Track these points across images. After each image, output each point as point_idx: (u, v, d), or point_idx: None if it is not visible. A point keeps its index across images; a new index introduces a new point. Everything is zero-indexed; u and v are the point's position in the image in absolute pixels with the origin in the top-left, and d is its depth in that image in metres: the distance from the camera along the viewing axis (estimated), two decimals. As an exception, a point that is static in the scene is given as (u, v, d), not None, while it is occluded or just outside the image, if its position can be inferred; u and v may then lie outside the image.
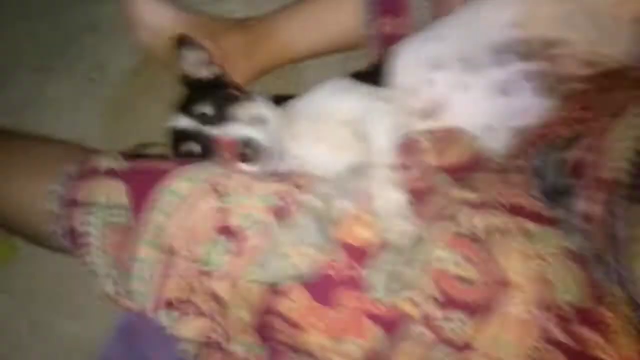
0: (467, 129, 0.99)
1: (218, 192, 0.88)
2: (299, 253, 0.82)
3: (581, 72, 0.97)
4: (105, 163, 0.96)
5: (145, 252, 0.89)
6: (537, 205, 0.87)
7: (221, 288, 0.85)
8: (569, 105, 0.95)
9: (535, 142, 0.97)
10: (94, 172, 0.96)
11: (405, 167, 0.90)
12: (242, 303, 0.85)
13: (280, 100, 1.17)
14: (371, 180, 0.88)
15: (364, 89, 1.04)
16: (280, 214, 0.86)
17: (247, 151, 0.97)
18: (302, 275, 0.83)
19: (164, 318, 0.91)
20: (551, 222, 0.84)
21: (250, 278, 0.82)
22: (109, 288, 0.93)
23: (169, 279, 0.89)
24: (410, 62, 1.05)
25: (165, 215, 0.89)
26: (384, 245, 0.83)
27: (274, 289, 0.83)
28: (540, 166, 0.92)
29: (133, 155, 1.03)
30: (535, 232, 0.82)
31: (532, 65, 0.97)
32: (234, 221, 0.86)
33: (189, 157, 1.01)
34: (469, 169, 0.96)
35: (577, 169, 0.82)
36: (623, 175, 0.73)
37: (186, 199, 0.88)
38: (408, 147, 0.93)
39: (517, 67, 0.97)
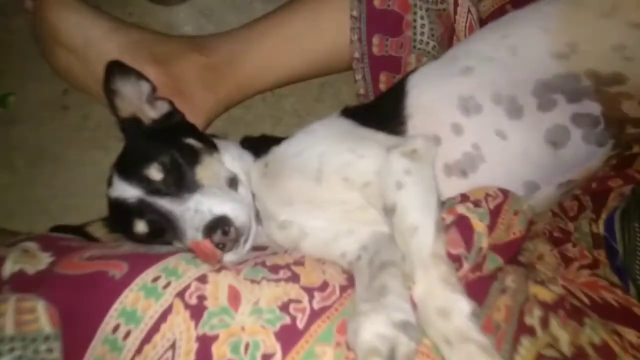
0: (512, 186, 0.78)
1: (191, 308, 0.60)
2: None
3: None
4: (11, 266, 0.65)
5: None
6: (625, 299, 0.66)
7: None
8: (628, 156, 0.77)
9: (592, 201, 0.77)
10: None
11: (458, 259, 0.66)
12: None
13: (254, 144, 0.93)
14: (421, 285, 0.62)
15: (379, 136, 0.81)
16: (287, 337, 0.59)
17: (223, 239, 0.71)
18: None
19: None
20: None
21: None
22: None
23: None
24: (431, 101, 0.83)
25: (112, 347, 0.60)
26: None
27: None
28: (611, 236, 0.72)
29: (56, 242, 0.73)
30: None
31: (583, 108, 0.78)
32: (221, 354, 0.58)
33: (135, 240, 0.79)
34: (522, 244, 0.75)
35: None
36: None
37: (143, 321, 0.60)
38: (460, 229, 0.69)
39: (567, 110, 0.78)
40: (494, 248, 0.70)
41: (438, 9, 1.04)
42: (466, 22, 1.03)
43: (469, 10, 1.02)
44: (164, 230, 0.78)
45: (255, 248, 0.80)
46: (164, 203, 0.77)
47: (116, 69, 0.89)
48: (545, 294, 0.66)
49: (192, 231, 0.73)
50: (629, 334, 0.63)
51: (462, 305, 0.59)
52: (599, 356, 0.60)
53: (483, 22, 1.01)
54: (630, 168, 0.82)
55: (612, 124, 0.79)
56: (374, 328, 0.57)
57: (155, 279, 0.63)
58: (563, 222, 0.85)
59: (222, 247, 0.71)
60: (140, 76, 0.91)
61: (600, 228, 0.75)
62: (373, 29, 1.04)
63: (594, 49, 0.77)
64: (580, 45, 0.78)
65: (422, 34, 1.04)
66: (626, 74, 0.76)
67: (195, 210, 0.74)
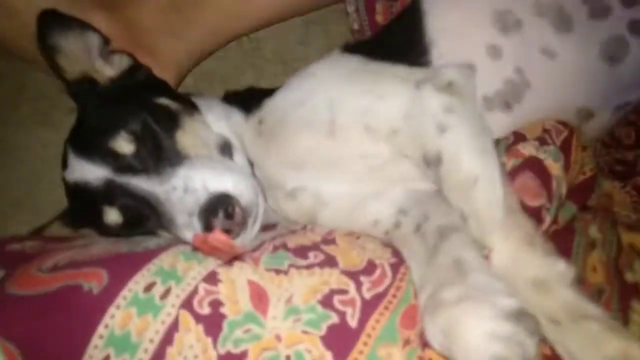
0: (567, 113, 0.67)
1: (204, 319, 0.46)
2: None
3: None
4: None
5: None
6: None
7: None
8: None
9: None
10: None
11: (538, 213, 0.52)
12: None
13: (241, 99, 0.77)
14: (503, 255, 0.50)
15: (401, 69, 0.66)
16: (339, 341, 0.45)
17: (227, 224, 0.56)
18: None
19: None
20: None
21: None
22: None
23: None
24: (456, 20, 0.70)
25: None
26: None
27: None
28: None
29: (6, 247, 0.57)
30: None
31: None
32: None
33: (109, 234, 0.64)
34: (589, 183, 0.62)
35: None
36: None
37: (141, 347, 0.45)
38: (535, 174, 0.56)
39: (624, 16, 0.68)
40: (570, 194, 0.58)
41: None
42: None
43: None
44: (145, 218, 0.63)
45: (263, 228, 0.65)
46: (140, 183, 0.61)
47: (52, 20, 0.71)
48: (634, 238, 0.56)
49: (184, 216, 0.58)
50: None
51: (562, 271, 0.48)
52: None
53: None
54: None
55: None
56: (484, 327, 0.43)
57: (149, 287, 0.47)
58: (620, 153, 0.74)
59: (228, 233, 0.55)
60: (84, 26, 0.73)
61: None
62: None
63: None
64: None
65: None
66: None
67: (184, 189, 0.59)
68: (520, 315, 0.44)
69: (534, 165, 0.58)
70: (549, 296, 0.46)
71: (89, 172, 0.63)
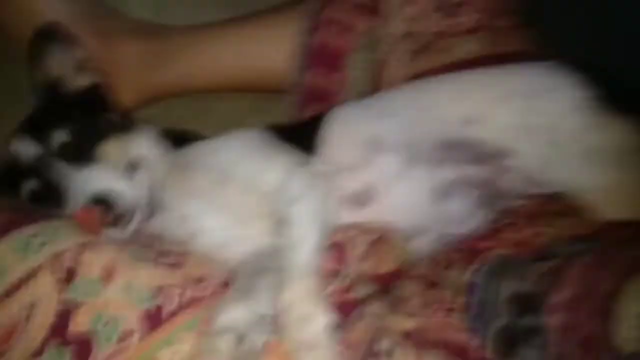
0: (398, 227, 0.85)
1: (62, 272, 0.61)
2: None
3: (518, 190, 0.89)
4: None
5: None
6: (467, 344, 0.74)
7: None
8: (510, 225, 0.87)
9: (471, 256, 0.86)
10: None
11: (329, 275, 0.71)
12: None
13: (173, 136, 0.94)
14: (288, 292, 0.66)
15: (289, 156, 0.85)
16: (151, 320, 0.60)
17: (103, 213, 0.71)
18: None
19: None
20: None
21: None
22: None
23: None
24: (348, 134, 0.90)
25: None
26: None
27: None
28: (479, 288, 0.80)
29: None
30: None
31: (470, 171, 0.88)
32: (80, 322, 0.59)
33: (29, 200, 0.78)
34: (394, 279, 0.81)
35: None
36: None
37: (7, 275, 0.59)
38: (341, 248, 0.75)
39: (465, 170, 0.88)
40: (368, 277, 0.76)
41: (375, 57, 1.12)
42: (396, 76, 1.11)
43: (401, 66, 1.12)
44: (50, 195, 0.77)
45: (148, 236, 0.81)
46: (59, 166, 0.77)
47: (49, 32, 0.89)
48: (399, 324, 0.72)
49: (74, 202, 0.73)
50: None
51: (321, 317, 0.64)
52: None
53: (411, 78, 1.08)
54: (505, 233, 0.91)
55: (491, 191, 0.88)
56: (232, 313, 0.60)
57: (34, 237, 0.63)
58: (437, 271, 0.91)
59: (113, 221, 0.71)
60: (71, 42, 0.91)
61: (466, 277, 0.82)
62: (313, 61, 1.11)
63: (492, 123, 0.87)
64: (480, 118, 0.87)
65: (355, 77, 1.12)
66: (512, 151, 0.86)
67: (85, 180, 0.75)
68: (263, 319, 0.62)
69: (340, 245, 0.75)
70: (306, 329, 0.62)
71: (25, 148, 0.79)
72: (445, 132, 0.88)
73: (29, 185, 0.78)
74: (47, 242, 0.63)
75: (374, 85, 1.13)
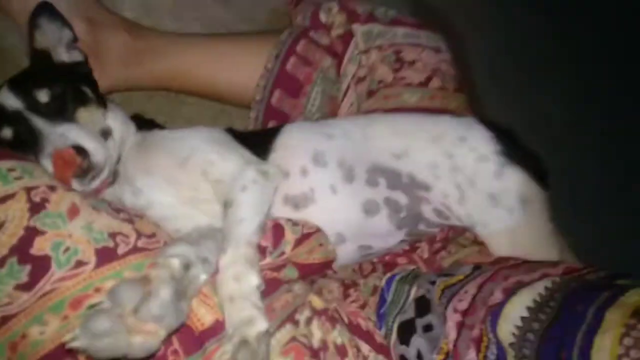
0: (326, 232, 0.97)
1: (32, 202, 0.69)
2: (148, 331, 0.62)
3: (433, 219, 1.05)
4: None
5: None
6: (373, 330, 0.86)
7: None
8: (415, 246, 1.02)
9: (389, 268, 0.99)
10: None
11: (263, 251, 0.83)
12: (12, 355, 0.65)
13: (141, 121, 1.06)
14: (229, 255, 0.77)
15: (246, 153, 0.96)
16: (105, 256, 0.70)
17: (81, 164, 0.80)
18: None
19: None
20: (385, 351, 0.83)
21: (73, 344, 0.59)
22: None
23: None
24: (294, 145, 1.03)
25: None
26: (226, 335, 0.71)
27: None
28: (391, 290, 0.93)
29: None
30: (370, 358, 0.80)
31: (395, 195, 1.02)
32: (40, 246, 0.67)
33: (3, 145, 0.84)
34: (318, 272, 0.93)
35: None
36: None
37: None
38: (274, 231, 0.86)
39: (384, 192, 1.01)
40: (294, 263, 0.88)
41: (331, 93, 1.29)
42: (347, 111, 1.29)
43: (352, 104, 1.30)
44: (25, 144, 0.85)
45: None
46: (37, 121, 0.85)
47: (48, 9, 0.99)
48: (317, 303, 0.84)
49: (49, 149, 0.81)
50: (364, 347, 0.83)
51: (253, 278, 0.74)
52: (336, 352, 0.78)
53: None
54: (415, 253, 1.06)
55: (410, 216, 1.02)
56: (181, 248, 0.70)
57: (11, 170, 0.71)
58: (357, 277, 1.04)
59: (77, 171, 0.80)
60: (65, 23, 1.01)
61: (382, 282, 0.96)
62: (278, 84, 1.26)
63: (418, 159, 1.02)
64: (409, 153, 1.03)
65: (312, 105, 1.28)
66: (432, 186, 1.01)
67: (61, 134, 0.83)
68: (206, 261, 0.72)
69: (278, 227, 0.87)
70: (237, 285, 0.72)
71: (10, 100, 0.87)
72: (379, 160, 1.02)
73: (5, 133, 0.86)
74: (22, 176, 0.71)
75: (322, 115, 1.29)
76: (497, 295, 0.76)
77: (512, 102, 2.10)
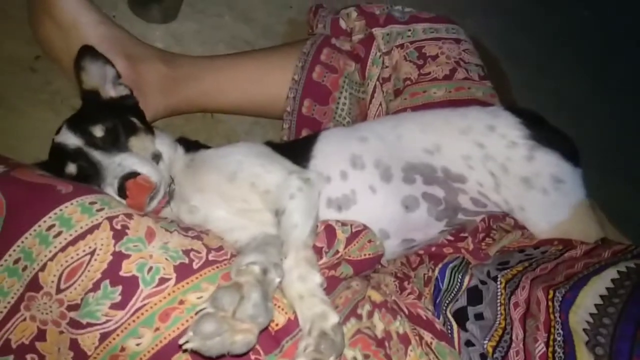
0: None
1: (115, 230, 0.78)
2: (246, 330, 0.70)
3: (471, 207, 1.10)
4: None
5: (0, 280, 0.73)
6: (433, 318, 0.92)
7: (88, 341, 0.72)
8: (466, 237, 1.08)
9: (436, 259, 1.05)
10: None
11: (320, 251, 0.89)
12: None
13: (187, 143, 1.13)
14: (291, 259, 0.83)
15: (287, 163, 1.03)
16: (183, 271, 0.78)
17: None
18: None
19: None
20: (447, 338, 0.88)
21: (187, 345, 0.67)
22: None
23: (19, 318, 0.74)
24: (332, 151, 1.09)
25: (42, 240, 0.75)
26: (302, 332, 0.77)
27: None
28: (445, 280, 0.98)
29: (7, 160, 0.88)
30: (434, 346, 0.86)
31: (432, 190, 1.07)
32: (127, 268, 0.75)
33: (66, 179, 0.91)
34: (370, 267, 0.99)
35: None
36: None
37: (74, 228, 0.76)
38: (327, 233, 0.93)
39: (421, 188, 1.06)
40: (348, 261, 0.94)
41: (358, 96, 1.35)
42: (376, 112, 1.35)
43: (380, 104, 1.35)
44: (89, 177, 0.93)
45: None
46: (96, 155, 0.94)
47: (88, 51, 1.07)
48: (376, 296, 0.90)
49: (111, 179, 0.90)
50: (426, 335, 0.88)
51: (316, 276, 0.81)
52: (400, 341, 0.83)
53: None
54: (463, 242, 1.10)
55: (449, 208, 1.08)
56: (251, 257, 0.77)
57: (93, 203, 0.79)
58: (407, 269, 1.10)
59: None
60: (107, 62, 1.09)
61: (435, 272, 1.01)
62: (306, 94, 1.32)
63: (450, 153, 1.08)
64: (441, 148, 1.08)
65: (342, 110, 1.34)
66: (466, 177, 1.06)
67: (119, 164, 0.92)
68: (277, 265, 0.78)
69: (329, 229, 0.93)
70: (303, 284, 0.79)
71: (70, 139, 0.96)
72: (413, 158, 1.08)
73: (69, 169, 0.94)
74: (103, 207, 0.79)
75: (353, 118, 1.35)
76: (560, 278, 0.80)
77: (533, 78, 2.13)
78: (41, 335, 0.74)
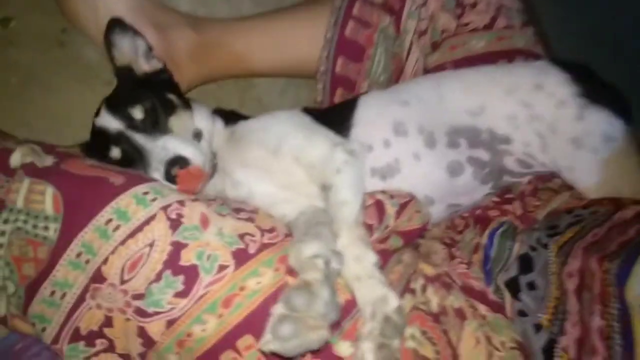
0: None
1: (171, 220, 0.78)
2: (319, 326, 0.71)
3: (517, 169, 1.07)
4: (21, 156, 0.80)
5: (63, 274, 0.76)
6: (484, 288, 0.92)
7: (155, 328, 0.75)
8: (513, 199, 1.06)
9: (482, 223, 1.04)
10: (5, 165, 0.79)
11: (370, 228, 0.89)
12: (180, 350, 0.76)
13: (225, 114, 1.11)
14: (344, 238, 0.84)
15: (329, 133, 1.00)
16: (241, 257, 0.79)
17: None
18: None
19: (67, 350, 0.78)
20: (501, 309, 0.89)
21: (266, 348, 0.69)
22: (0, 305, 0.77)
23: (85, 306, 0.77)
24: (373, 118, 1.06)
25: (102, 234, 0.76)
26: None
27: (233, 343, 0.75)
28: (494, 247, 0.98)
29: (54, 148, 0.87)
30: (489, 319, 0.86)
31: (477, 153, 1.04)
32: (187, 257, 0.77)
33: (114, 164, 0.91)
34: (418, 236, 0.99)
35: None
36: None
37: (131, 221, 0.77)
38: (377, 208, 0.92)
39: (466, 152, 1.04)
40: (398, 232, 0.94)
41: (394, 51, 1.29)
42: (414, 67, 1.29)
43: (417, 60, 1.30)
44: (133, 160, 0.93)
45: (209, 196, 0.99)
46: (139, 138, 0.93)
47: (117, 25, 1.03)
48: (428, 270, 0.90)
49: (156, 163, 0.90)
50: (481, 307, 0.88)
51: (371, 256, 0.81)
52: (455, 315, 0.85)
53: (426, 71, 1.26)
54: (509, 205, 1.08)
55: (494, 170, 1.05)
56: (313, 248, 0.77)
57: (145, 193, 0.80)
58: (453, 233, 1.09)
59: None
60: (137, 33, 1.06)
61: (484, 239, 1.00)
62: (340, 52, 1.27)
63: (495, 114, 1.04)
64: (486, 109, 1.04)
65: (377, 66, 1.29)
66: (512, 138, 1.03)
67: (162, 147, 0.91)
68: (336, 253, 0.79)
69: (378, 204, 0.92)
70: (360, 265, 0.79)
71: (111, 122, 0.95)
72: (456, 120, 1.04)
73: (113, 153, 0.94)
74: (156, 197, 0.80)
75: (389, 75, 1.31)
76: (613, 247, 0.79)
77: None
78: (108, 321, 0.77)
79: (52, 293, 0.76)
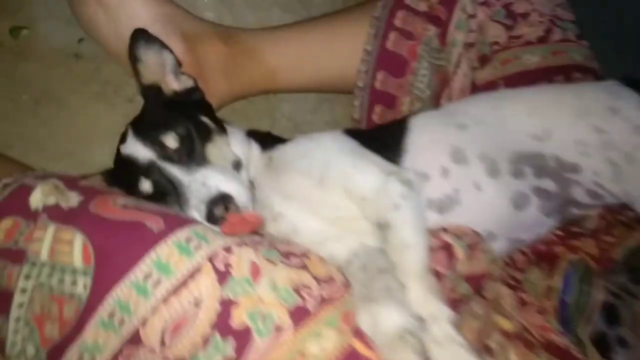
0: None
1: (218, 272, 0.68)
2: None
3: (585, 200, 0.97)
4: (42, 196, 0.69)
5: (94, 335, 0.65)
6: (567, 344, 0.82)
7: None
8: (580, 234, 0.95)
9: (547, 261, 0.94)
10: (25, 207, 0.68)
11: (440, 277, 0.79)
12: None
13: (260, 138, 1.00)
14: (414, 292, 0.73)
15: (379, 160, 0.90)
16: (299, 316, 0.68)
17: (224, 214, 0.78)
18: None
19: None
20: None
21: None
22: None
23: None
24: (428, 143, 0.95)
25: (140, 291, 0.65)
26: None
27: None
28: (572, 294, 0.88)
29: (77, 183, 0.76)
30: None
31: (544, 183, 0.94)
32: (239, 318, 0.66)
33: (145, 198, 0.82)
34: (485, 277, 0.89)
35: None
36: None
37: (174, 275, 0.66)
38: (446, 254, 0.82)
39: (531, 182, 0.93)
40: (464, 276, 0.84)
41: (439, 64, 1.19)
42: (462, 83, 1.19)
43: (464, 75, 1.19)
44: (167, 195, 0.83)
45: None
46: (174, 170, 0.83)
47: (142, 36, 0.93)
48: (505, 324, 0.80)
49: (196, 201, 0.79)
50: None
51: (447, 314, 0.71)
52: None
53: (475, 87, 1.16)
54: (576, 240, 0.97)
55: (561, 202, 0.95)
56: (394, 318, 0.67)
57: (189, 240, 0.69)
58: (514, 272, 0.97)
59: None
60: (164, 46, 0.95)
61: (556, 282, 0.90)
62: (380, 66, 1.17)
63: (562, 139, 0.93)
64: (552, 134, 0.93)
65: (421, 81, 1.19)
66: (581, 166, 0.92)
67: (202, 183, 0.81)
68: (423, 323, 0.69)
69: (448, 248, 0.82)
70: (437, 326, 0.69)
71: (140, 151, 0.84)
72: (520, 146, 0.94)
73: (144, 186, 0.84)
74: (200, 244, 0.69)
75: (433, 91, 1.20)
76: None
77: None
78: None
79: (80, 358, 0.65)
